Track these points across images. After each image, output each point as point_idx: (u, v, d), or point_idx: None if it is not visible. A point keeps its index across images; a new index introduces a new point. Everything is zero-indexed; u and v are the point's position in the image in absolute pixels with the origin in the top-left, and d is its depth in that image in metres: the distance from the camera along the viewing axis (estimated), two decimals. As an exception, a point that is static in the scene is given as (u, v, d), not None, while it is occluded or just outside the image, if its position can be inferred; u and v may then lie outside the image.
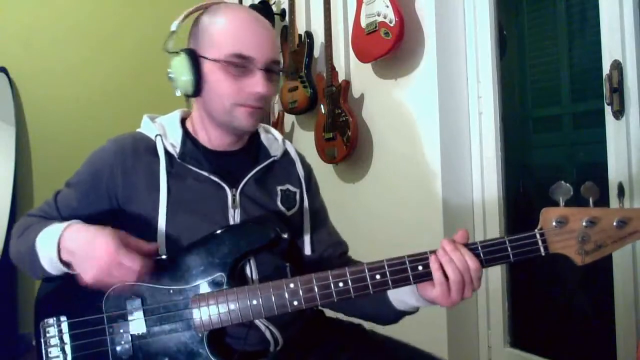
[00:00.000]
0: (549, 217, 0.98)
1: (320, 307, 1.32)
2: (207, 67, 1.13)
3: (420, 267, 1.00)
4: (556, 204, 0.98)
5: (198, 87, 1.13)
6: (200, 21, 1.17)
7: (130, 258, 0.99)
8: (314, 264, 1.25)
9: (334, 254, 1.29)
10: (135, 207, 1.14)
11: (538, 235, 0.98)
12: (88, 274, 1.00)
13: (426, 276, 1.00)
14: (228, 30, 1.13)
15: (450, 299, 0.99)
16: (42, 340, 1.07)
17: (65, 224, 1.06)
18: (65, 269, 1.04)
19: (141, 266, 1.00)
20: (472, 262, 0.98)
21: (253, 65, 1.12)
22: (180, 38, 1.20)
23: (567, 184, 0.97)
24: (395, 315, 1.14)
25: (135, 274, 1.00)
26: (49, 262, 1.05)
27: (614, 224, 0.96)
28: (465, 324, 2.17)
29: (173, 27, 1.18)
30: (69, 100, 3.17)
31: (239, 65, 1.11)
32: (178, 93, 1.17)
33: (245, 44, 1.11)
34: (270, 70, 1.14)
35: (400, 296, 1.10)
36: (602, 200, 0.98)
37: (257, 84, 1.12)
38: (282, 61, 1.20)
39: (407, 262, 1.00)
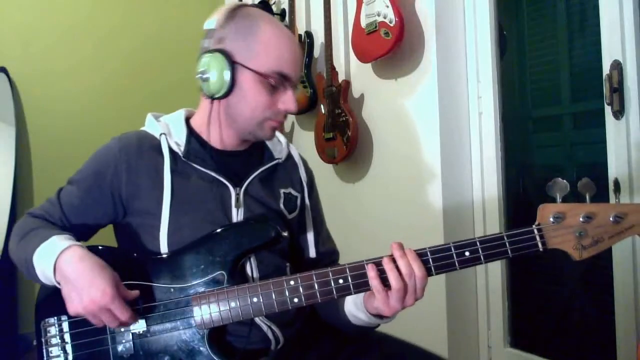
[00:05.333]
0: (546, 213, 0.99)
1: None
2: (244, 75, 1.12)
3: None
4: (553, 200, 0.99)
5: (230, 91, 1.13)
6: (238, 23, 1.14)
7: (121, 309, 1.00)
8: (313, 266, 1.26)
9: (325, 261, 1.30)
10: (139, 205, 1.14)
11: (536, 231, 0.99)
12: (74, 304, 1.00)
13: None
14: (272, 46, 1.12)
15: (389, 306, 1.00)
16: (43, 340, 1.07)
17: (64, 242, 1.05)
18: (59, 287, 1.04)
19: (127, 319, 1.01)
20: (418, 270, 0.99)
21: (288, 83, 1.14)
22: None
23: (564, 181, 0.98)
24: (351, 329, 1.15)
25: (117, 325, 1.01)
26: (45, 278, 1.06)
27: (611, 219, 0.97)
28: (465, 324, 2.17)
29: (209, 26, 1.15)
30: (69, 100, 3.16)
31: (277, 81, 1.12)
32: (207, 93, 1.15)
33: (287, 64, 1.13)
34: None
35: (351, 309, 1.11)
36: (603, 200, 0.99)
37: (290, 101, 1.14)
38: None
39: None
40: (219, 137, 1.20)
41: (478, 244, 1.00)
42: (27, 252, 1.07)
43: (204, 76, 1.12)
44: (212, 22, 1.15)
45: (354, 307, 1.11)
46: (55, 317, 1.08)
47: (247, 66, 1.11)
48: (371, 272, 1.00)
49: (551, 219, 0.98)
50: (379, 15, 2.15)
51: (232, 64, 1.11)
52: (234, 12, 1.15)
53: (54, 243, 1.05)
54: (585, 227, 0.98)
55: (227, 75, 1.11)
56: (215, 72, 1.11)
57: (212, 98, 1.14)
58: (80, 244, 1.06)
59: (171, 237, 1.11)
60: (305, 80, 2.69)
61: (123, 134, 1.21)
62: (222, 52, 1.12)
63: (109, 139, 1.21)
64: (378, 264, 1.01)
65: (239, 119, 1.16)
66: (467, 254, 1.00)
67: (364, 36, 2.24)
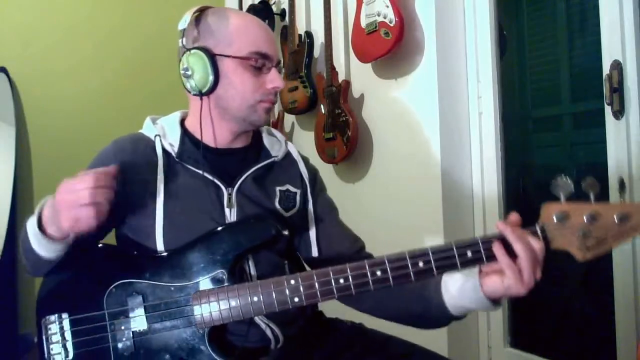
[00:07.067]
0: (549, 212, 0.97)
1: (359, 310, 1.25)
2: (226, 64, 1.16)
3: (421, 263, 0.99)
4: (557, 200, 0.97)
5: (216, 83, 1.16)
6: (208, 21, 1.19)
7: (78, 179, 0.97)
8: (324, 263, 1.23)
9: (348, 252, 1.26)
10: (134, 207, 1.14)
11: (539, 230, 0.97)
12: (63, 223, 0.98)
13: (446, 267, 0.99)
14: (244, 31, 1.17)
15: (523, 282, 0.95)
16: (44, 337, 1.07)
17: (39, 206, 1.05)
18: (54, 245, 1.03)
19: (94, 179, 0.97)
20: (535, 243, 0.95)
21: (270, 62, 1.18)
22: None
23: (568, 179, 0.96)
24: (444, 321, 1.11)
25: (91, 191, 0.96)
26: (37, 241, 1.03)
27: (615, 219, 0.94)
28: (465, 324, 2.17)
29: (182, 26, 1.19)
30: (69, 100, 3.16)
31: (258, 62, 1.17)
32: (192, 90, 1.17)
33: (263, 43, 1.18)
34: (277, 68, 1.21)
35: (460, 302, 1.06)
36: (602, 201, 0.97)
37: (275, 79, 1.19)
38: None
39: (407, 257, 1.00)
40: (212, 134, 1.22)
41: (480, 244, 0.98)
42: (22, 235, 1.07)
43: (188, 74, 1.16)
44: (184, 22, 1.19)
45: (458, 297, 1.05)
46: (56, 315, 1.07)
47: (226, 54, 1.16)
48: (499, 250, 0.96)
49: (554, 219, 0.96)
50: (379, 15, 2.16)
51: (212, 56, 1.15)
52: (202, 12, 1.20)
53: (34, 214, 1.05)
54: (589, 227, 0.95)
55: (210, 68, 1.15)
56: (198, 68, 1.15)
57: (201, 94, 1.17)
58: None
59: (167, 237, 1.12)
60: (306, 80, 2.69)
61: (119, 137, 1.23)
62: (200, 48, 1.16)
63: (108, 139, 1.23)
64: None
65: (232, 107, 1.18)
66: (469, 254, 0.98)
67: (364, 36, 2.24)
